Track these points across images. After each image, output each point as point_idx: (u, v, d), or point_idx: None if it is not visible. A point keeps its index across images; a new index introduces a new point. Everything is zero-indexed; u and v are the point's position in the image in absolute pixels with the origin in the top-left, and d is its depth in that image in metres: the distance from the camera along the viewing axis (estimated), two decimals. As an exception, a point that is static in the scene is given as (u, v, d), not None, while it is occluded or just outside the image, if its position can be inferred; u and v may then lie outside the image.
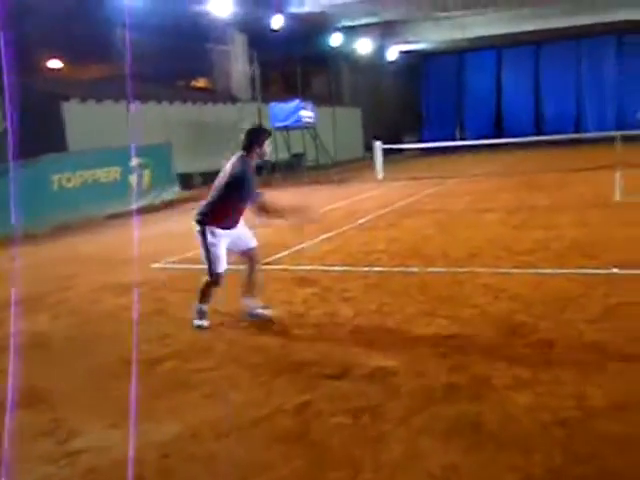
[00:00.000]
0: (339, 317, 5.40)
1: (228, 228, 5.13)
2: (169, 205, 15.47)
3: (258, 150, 5.18)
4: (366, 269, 7.12)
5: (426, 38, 29.11)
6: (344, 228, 10.13)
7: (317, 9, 21.56)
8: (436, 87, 34.97)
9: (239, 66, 22.56)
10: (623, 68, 31.56)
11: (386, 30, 27.26)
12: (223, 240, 5.12)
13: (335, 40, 25.36)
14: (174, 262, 8.29)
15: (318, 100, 23.93)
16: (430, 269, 6.89)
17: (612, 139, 18.14)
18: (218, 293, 5.43)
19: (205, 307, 5.34)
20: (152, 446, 3.38)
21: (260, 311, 5.46)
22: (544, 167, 18.48)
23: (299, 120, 20.24)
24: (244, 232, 5.33)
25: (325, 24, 24.10)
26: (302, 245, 8.83)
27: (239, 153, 5.17)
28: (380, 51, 29.97)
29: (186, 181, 18.14)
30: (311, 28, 23.39)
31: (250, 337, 5.08)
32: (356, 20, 24.64)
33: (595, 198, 11.41)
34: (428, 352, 4.43)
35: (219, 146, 19.32)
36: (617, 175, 14.19)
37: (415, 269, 6.95)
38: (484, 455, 3.06)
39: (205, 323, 5.32)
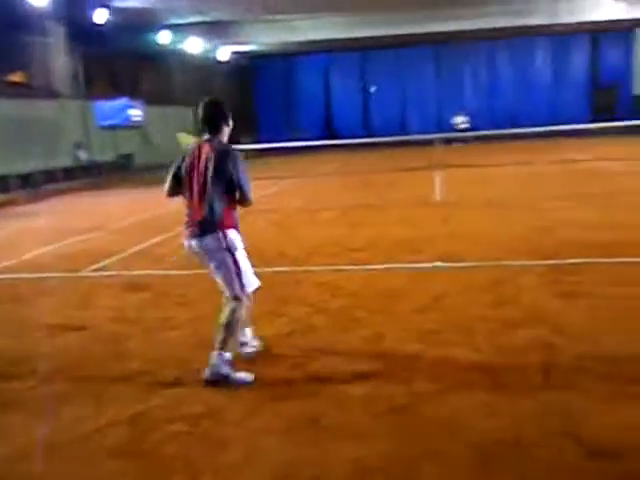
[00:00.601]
0: (175, 322, 5.24)
1: (237, 229, 4.04)
2: (-18, 210, 14.15)
3: (227, 130, 4.00)
4: (202, 272, 6.97)
5: (257, 40, 29.31)
6: (178, 230, 9.84)
7: (144, 5, 20.82)
8: (269, 89, 35.40)
9: (60, 60, 21.14)
10: (441, 75, 34.15)
11: (216, 30, 27.05)
12: (241, 246, 4.02)
13: (164, 38, 24.69)
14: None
15: (148, 99, 23.17)
16: (268, 269, 6.90)
17: (433, 142, 19.53)
18: (42, 303, 5.04)
19: (230, 354, 3.94)
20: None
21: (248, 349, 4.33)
22: (374, 168, 19.40)
23: (127, 119, 19.43)
24: None
25: (153, 21, 23.37)
26: (134, 249, 8.48)
27: (206, 138, 3.95)
28: (211, 51, 29.69)
29: (1, 184, 16.67)
30: (138, 24, 22.57)
31: (79, 348, 4.77)
32: (185, 18, 24.18)
33: (419, 197, 12.17)
34: (267, 352, 4.43)
35: (39, 145, 18.02)
36: (437, 175, 15.28)
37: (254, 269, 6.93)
38: (323, 448, 3.12)
39: (249, 377, 3.94)
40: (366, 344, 4.48)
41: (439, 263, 6.63)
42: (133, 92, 22.65)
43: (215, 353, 3.93)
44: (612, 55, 33.15)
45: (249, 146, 28.04)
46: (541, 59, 33.77)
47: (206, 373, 3.94)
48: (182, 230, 4.12)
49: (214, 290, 6.21)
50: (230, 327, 3.96)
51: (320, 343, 4.55)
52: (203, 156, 3.89)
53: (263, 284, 6.28)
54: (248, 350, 4.34)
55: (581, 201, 10.30)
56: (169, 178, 4.12)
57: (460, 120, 26.29)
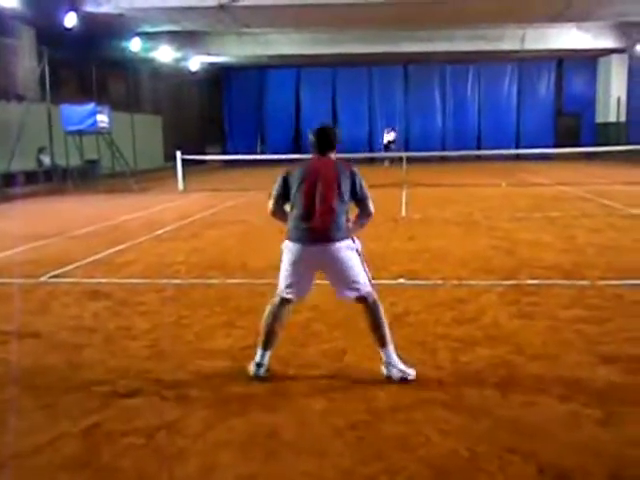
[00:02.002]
0: (134, 331, 5.15)
1: None
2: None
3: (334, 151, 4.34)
4: (164, 281, 6.91)
5: (229, 51, 29.29)
6: (142, 239, 9.75)
7: (115, 11, 20.62)
8: (238, 100, 35.32)
9: (26, 62, 20.77)
10: (409, 94, 34.53)
11: (188, 40, 26.97)
12: None
13: (135, 45, 24.47)
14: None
15: (116, 105, 22.90)
16: (230, 280, 6.88)
17: (400, 159, 19.75)
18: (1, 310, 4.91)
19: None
20: None
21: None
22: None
23: (94, 124, 19.13)
24: None
25: (124, 27, 23.15)
26: (96, 257, 8.34)
27: (315, 157, 4.31)
28: (182, 60, 29.56)
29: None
30: (109, 30, 22.33)
31: (33, 357, 4.65)
32: (157, 27, 24.02)
33: (385, 214, 12.23)
34: (226, 364, 4.39)
35: (1, 148, 17.63)
36: (403, 193, 15.43)
37: (215, 281, 6.89)
38: (281, 463, 3.09)
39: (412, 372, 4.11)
40: (327, 359, 4.47)
41: (402, 280, 6.67)
42: (101, 98, 22.36)
43: (387, 350, 4.09)
44: (577, 83, 33.98)
45: (217, 157, 28.09)
46: (508, 84, 34.43)
47: (390, 372, 4.06)
48: (288, 237, 4.15)
49: (175, 300, 6.16)
50: (383, 321, 4.14)
51: (280, 356, 4.51)
52: (326, 172, 4.13)
53: (221, 295, 6.28)
54: (261, 373, 4.13)
55: (542, 223, 10.51)
56: (275, 196, 4.29)
57: (389, 136, 26.80)
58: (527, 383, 3.97)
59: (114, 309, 5.85)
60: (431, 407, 3.65)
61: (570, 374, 4.09)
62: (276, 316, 4.15)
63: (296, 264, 4.08)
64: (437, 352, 4.54)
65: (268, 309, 4.19)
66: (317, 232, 4.01)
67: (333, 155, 4.31)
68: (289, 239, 4.13)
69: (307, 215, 4.05)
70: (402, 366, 4.09)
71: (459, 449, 3.16)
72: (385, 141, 26.13)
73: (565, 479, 2.91)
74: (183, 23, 23.24)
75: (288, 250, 4.12)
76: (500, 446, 3.19)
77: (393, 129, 29.54)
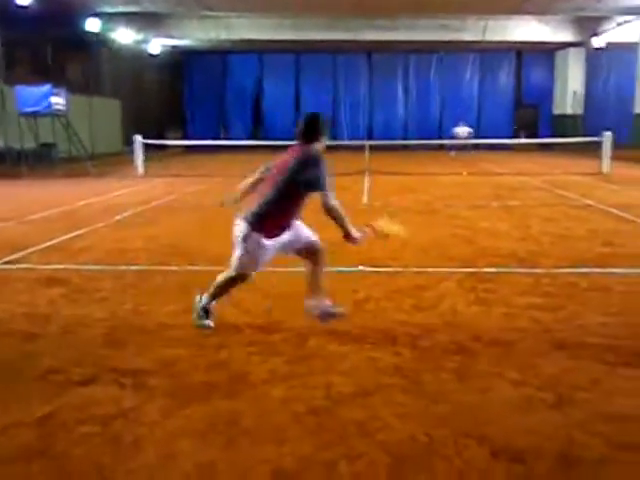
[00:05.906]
0: (91, 319, 5.06)
1: None
2: None
3: None
4: (122, 268, 6.80)
5: (190, 35, 28.85)
6: (99, 225, 9.58)
7: (73, -10, 20.14)
8: (200, 85, 34.89)
9: (-21, 42, 20.13)
10: (372, 82, 34.63)
11: (149, 22, 26.47)
12: None
13: (93, 25, 23.89)
14: None
15: (73, 87, 22.38)
16: (190, 267, 6.81)
17: (363, 147, 19.83)
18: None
19: None
20: None
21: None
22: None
23: (49, 106, 18.67)
24: None
25: (82, 7, 22.60)
26: (51, 242, 8.16)
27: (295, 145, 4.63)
28: (143, 43, 29.01)
29: None
30: (66, 9, 21.76)
31: (-15, 344, 4.53)
32: (116, 7, 23.51)
33: (346, 202, 12.22)
34: (185, 351, 4.35)
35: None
36: (365, 180, 15.50)
37: (175, 267, 6.81)
38: (240, 450, 3.08)
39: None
40: (287, 345, 4.47)
41: (362, 267, 6.71)
42: (58, 79, 21.80)
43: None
44: (535, 75, 34.60)
45: (177, 142, 27.76)
46: (469, 74, 34.80)
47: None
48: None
49: (133, 286, 6.07)
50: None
51: (242, 343, 4.50)
52: (283, 160, 4.59)
53: (181, 282, 6.22)
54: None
55: (500, 212, 10.69)
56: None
57: (461, 130, 26.84)
58: (483, 369, 4.04)
59: (70, 296, 5.74)
60: (390, 392, 3.69)
61: (524, 360, 4.18)
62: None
63: None
64: (396, 338, 4.58)
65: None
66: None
67: (318, 145, 4.46)
68: None
69: None
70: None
71: (417, 434, 3.21)
72: (466, 133, 26.02)
73: (517, 461, 2.98)
74: (144, 4, 22.81)
75: None
76: (457, 431, 3.24)
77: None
